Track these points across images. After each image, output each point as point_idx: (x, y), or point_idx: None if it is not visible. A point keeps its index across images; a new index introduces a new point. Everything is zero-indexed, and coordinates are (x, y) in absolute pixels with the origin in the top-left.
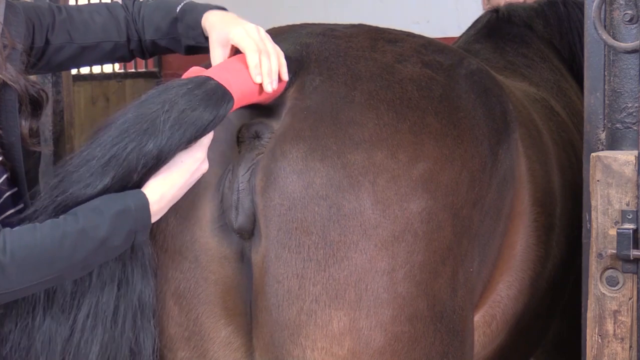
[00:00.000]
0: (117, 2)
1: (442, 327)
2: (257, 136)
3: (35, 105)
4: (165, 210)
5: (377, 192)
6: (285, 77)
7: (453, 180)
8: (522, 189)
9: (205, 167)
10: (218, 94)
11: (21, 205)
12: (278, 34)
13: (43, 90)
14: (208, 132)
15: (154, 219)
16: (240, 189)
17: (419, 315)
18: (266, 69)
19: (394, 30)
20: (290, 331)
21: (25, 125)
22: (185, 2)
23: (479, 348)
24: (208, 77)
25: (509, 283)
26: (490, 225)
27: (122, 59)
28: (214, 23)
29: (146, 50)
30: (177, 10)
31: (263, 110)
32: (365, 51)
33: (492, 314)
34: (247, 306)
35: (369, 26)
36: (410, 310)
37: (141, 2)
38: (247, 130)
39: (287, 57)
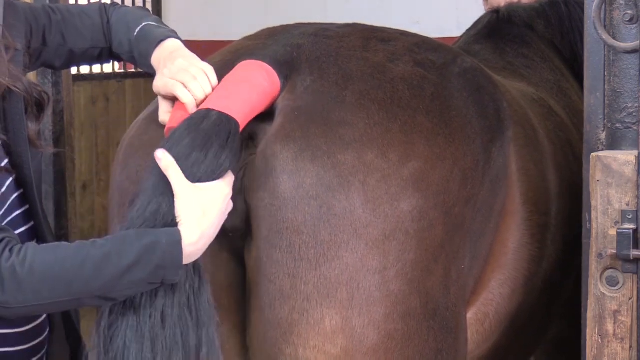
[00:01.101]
0: (100, 3)
1: (435, 325)
2: (250, 137)
3: (38, 107)
4: (202, 252)
5: (368, 192)
6: (215, 81)
7: (444, 179)
8: (514, 187)
9: (231, 205)
10: (224, 123)
11: (27, 206)
12: (271, 35)
13: (45, 92)
14: (226, 164)
15: (188, 260)
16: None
17: (412, 313)
18: (200, 93)
19: (387, 29)
20: (283, 330)
21: (32, 128)
22: (144, 23)
23: (472, 347)
24: (208, 109)
25: (501, 281)
26: (482, 222)
27: (104, 62)
28: (155, 65)
29: (119, 57)
30: (135, 34)
31: None
32: (357, 51)
33: (485, 312)
34: (240, 306)
35: (363, 25)
36: (403, 308)
37: (114, 7)
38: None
39: (276, 61)
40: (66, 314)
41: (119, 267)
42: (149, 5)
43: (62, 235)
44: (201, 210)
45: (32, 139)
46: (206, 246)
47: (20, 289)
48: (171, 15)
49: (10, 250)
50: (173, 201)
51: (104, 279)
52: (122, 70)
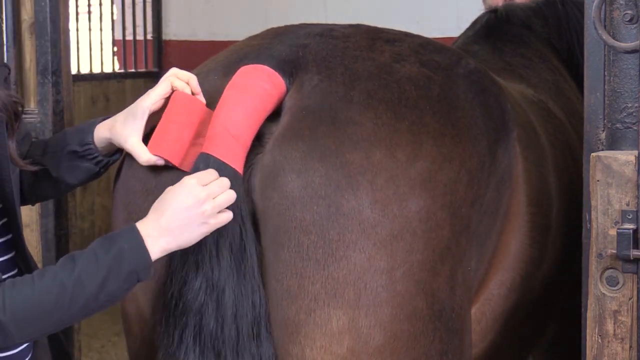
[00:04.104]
0: None
1: (441, 326)
2: (257, 137)
3: (15, 118)
4: (171, 246)
5: (376, 192)
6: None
7: (451, 179)
8: (519, 189)
9: (208, 206)
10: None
11: (5, 219)
12: (276, 35)
13: (18, 101)
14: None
15: (155, 255)
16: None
17: (418, 314)
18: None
19: (392, 30)
20: (290, 330)
21: (12, 146)
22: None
23: None
24: (207, 155)
25: (500, 282)
26: (488, 224)
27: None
28: (105, 131)
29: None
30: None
31: None
32: (363, 51)
33: (482, 312)
34: None
35: (367, 26)
36: (409, 309)
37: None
38: None
39: (282, 61)
40: None
41: (93, 287)
42: (149, 6)
43: (62, 235)
44: (160, 204)
45: (13, 157)
46: (173, 239)
47: (6, 334)
48: (171, 15)
49: None
50: None
51: (82, 302)
52: (122, 70)
